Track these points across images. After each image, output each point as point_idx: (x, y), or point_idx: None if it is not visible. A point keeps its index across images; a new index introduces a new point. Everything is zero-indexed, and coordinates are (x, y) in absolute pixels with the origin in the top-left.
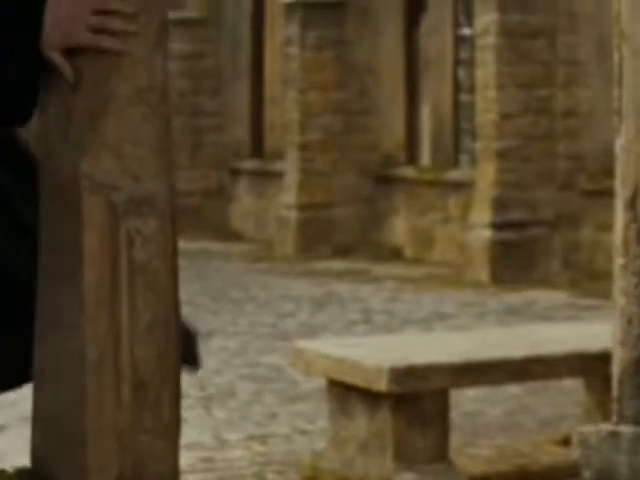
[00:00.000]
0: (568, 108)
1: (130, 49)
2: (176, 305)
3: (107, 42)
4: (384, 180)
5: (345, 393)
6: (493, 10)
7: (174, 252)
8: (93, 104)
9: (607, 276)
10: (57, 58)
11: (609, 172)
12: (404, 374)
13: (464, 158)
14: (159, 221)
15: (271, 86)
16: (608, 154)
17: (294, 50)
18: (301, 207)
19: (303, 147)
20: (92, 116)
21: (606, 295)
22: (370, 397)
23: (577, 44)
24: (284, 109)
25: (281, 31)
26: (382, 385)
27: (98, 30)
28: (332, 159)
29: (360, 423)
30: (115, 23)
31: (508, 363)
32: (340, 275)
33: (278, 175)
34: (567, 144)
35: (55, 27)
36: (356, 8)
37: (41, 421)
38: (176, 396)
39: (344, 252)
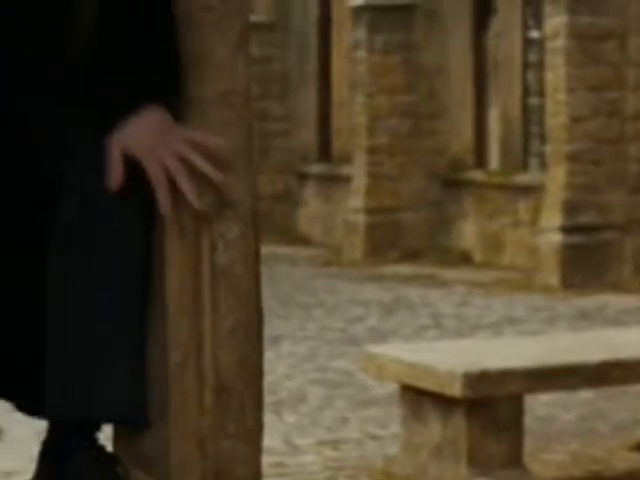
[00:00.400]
0: (639, 110)
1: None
2: (259, 310)
3: (164, 193)
4: (452, 184)
5: (418, 398)
6: (563, 12)
7: (256, 257)
8: (176, 107)
9: None
10: (115, 158)
11: None
12: (478, 379)
13: (533, 162)
14: (241, 226)
15: (338, 90)
16: None
17: (362, 54)
18: (369, 211)
19: (371, 151)
20: (175, 119)
21: None
22: (443, 402)
23: None
24: (352, 113)
25: (348, 35)
26: (456, 390)
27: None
28: (400, 163)
29: (433, 428)
30: (187, 185)
31: (584, 368)
32: (408, 280)
33: (346, 179)
34: (638, 147)
35: (127, 136)
36: (424, 11)
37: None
38: (259, 401)
39: (412, 256)
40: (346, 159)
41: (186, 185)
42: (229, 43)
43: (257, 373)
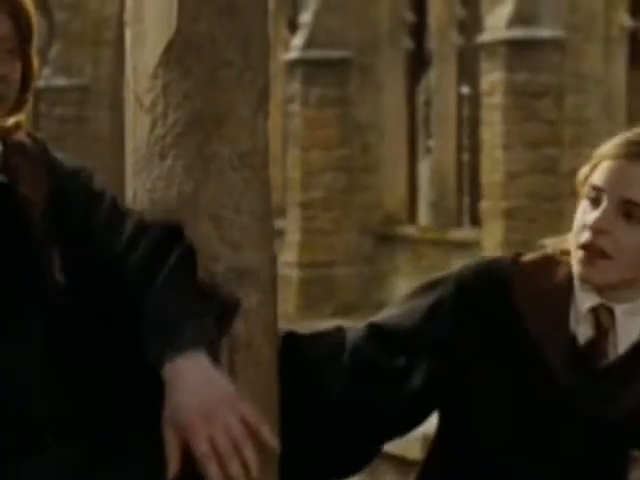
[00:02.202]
0: (575, 168)
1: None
2: (277, 382)
3: (214, 469)
4: (386, 239)
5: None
6: (500, 69)
7: (276, 326)
8: (193, 166)
9: None
10: (172, 444)
11: None
12: None
13: (466, 218)
14: (261, 294)
15: (272, 144)
16: None
17: (296, 107)
18: (302, 266)
19: (305, 205)
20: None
21: None
22: (404, 465)
23: (584, 104)
24: (285, 167)
25: (281, 89)
26: (416, 453)
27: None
28: (334, 217)
29: None
30: (236, 469)
31: None
32: None
33: (279, 233)
34: (574, 204)
35: (178, 410)
36: (358, 66)
37: None
38: (275, 477)
39: (346, 311)
40: (280, 213)
41: (235, 469)
42: (250, 101)
43: (274, 448)
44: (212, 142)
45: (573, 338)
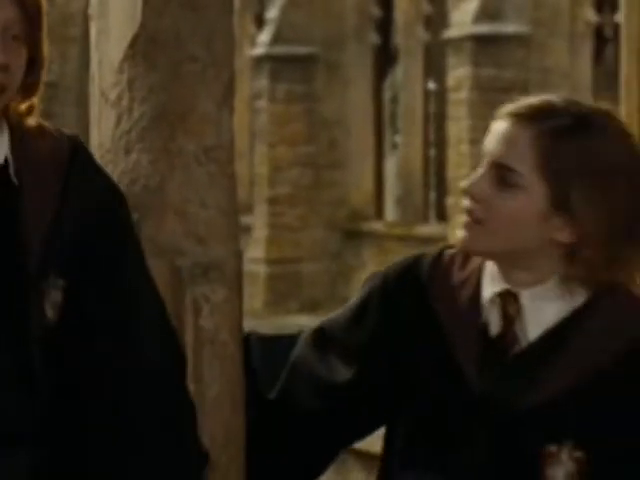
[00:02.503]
0: None
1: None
2: (243, 380)
3: None
4: (352, 235)
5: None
6: (466, 64)
7: (241, 321)
8: (158, 161)
9: None
10: None
11: None
12: None
13: (432, 213)
14: (227, 289)
15: (239, 140)
16: None
17: (263, 103)
18: (269, 262)
19: (272, 201)
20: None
21: None
22: (368, 459)
23: None
24: (252, 163)
25: (248, 84)
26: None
27: None
28: (301, 214)
29: None
30: None
31: None
32: None
33: (247, 229)
34: None
35: None
36: (325, 62)
37: None
38: (243, 476)
39: (312, 307)
40: (247, 209)
41: None
42: (214, 95)
43: (242, 447)
44: (177, 137)
45: (484, 330)
